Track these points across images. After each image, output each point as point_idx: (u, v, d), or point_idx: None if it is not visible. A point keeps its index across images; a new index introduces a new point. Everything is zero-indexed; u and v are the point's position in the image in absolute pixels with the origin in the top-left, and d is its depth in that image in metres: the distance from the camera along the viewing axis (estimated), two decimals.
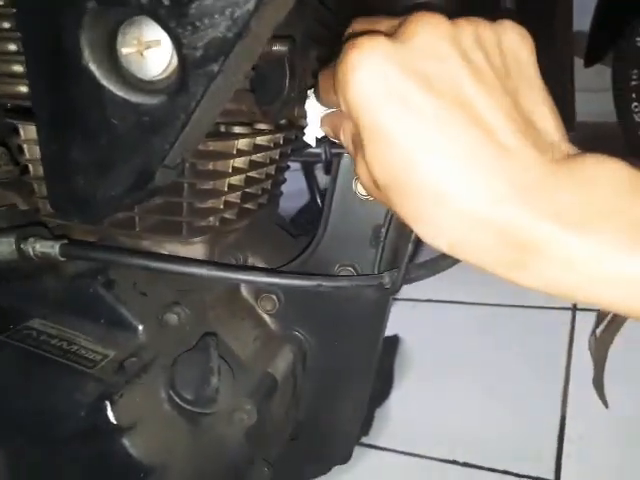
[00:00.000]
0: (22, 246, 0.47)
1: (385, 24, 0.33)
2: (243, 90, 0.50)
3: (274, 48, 0.46)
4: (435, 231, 0.28)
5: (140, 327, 0.46)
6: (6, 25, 0.41)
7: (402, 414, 1.31)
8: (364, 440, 1.25)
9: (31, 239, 0.47)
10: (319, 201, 1.46)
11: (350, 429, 0.63)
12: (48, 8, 0.29)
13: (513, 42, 0.31)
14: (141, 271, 0.49)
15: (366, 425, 1.25)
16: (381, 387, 1.34)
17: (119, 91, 0.31)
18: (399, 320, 1.57)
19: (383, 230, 0.51)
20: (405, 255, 0.49)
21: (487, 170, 0.26)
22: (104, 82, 0.30)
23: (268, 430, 0.52)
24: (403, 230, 0.52)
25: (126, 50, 0.30)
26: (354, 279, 0.49)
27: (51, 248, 0.47)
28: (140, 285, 0.50)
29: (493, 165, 0.26)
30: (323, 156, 0.55)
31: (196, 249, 0.54)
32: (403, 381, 1.39)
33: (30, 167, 0.51)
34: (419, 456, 1.21)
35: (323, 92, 0.39)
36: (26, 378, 0.42)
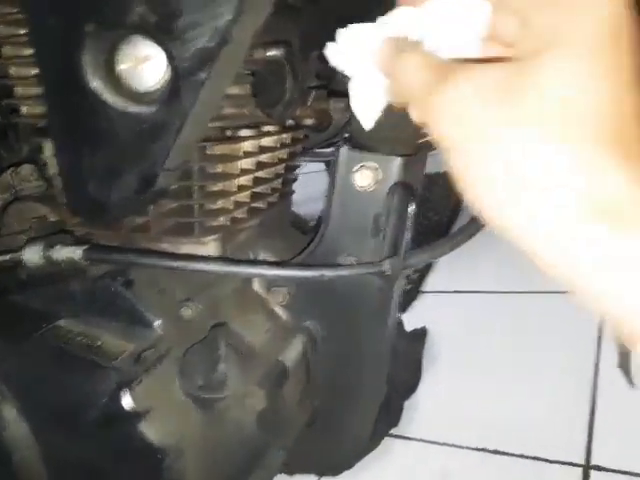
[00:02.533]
0: (49, 252, 0.51)
1: None
2: (244, 95, 0.53)
3: (269, 53, 0.49)
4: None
5: (157, 322, 0.50)
6: (29, 51, 0.46)
7: (431, 405, 1.31)
8: (394, 431, 1.26)
9: (57, 246, 0.52)
10: None
11: (366, 416, 0.66)
12: (55, 34, 0.33)
13: None
14: (158, 270, 0.53)
15: (395, 416, 1.26)
16: (409, 379, 1.35)
17: (120, 103, 0.34)
18: (426, 312, 1.57)
19: (382, 219, 0.53)
20: (403, 242, 0.51)
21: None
22: (106, 97, 0.34)
23: (281, 415, 0.55)
24: (402, 217, 0.54)
25: (124, 66, 0.33)
26: (355, 267, 0.52)
27: (74, 253, 0.51)
28: (158, 283, 0.53)
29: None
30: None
31: (209, 248, 0.57)
32: (431, 372, 1.39)
33: (54, 181, 0.55)
34: (449, 445, 1.22)
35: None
36: (57, 372, 0.46)
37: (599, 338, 1.26)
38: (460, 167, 0.26)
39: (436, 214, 1.66)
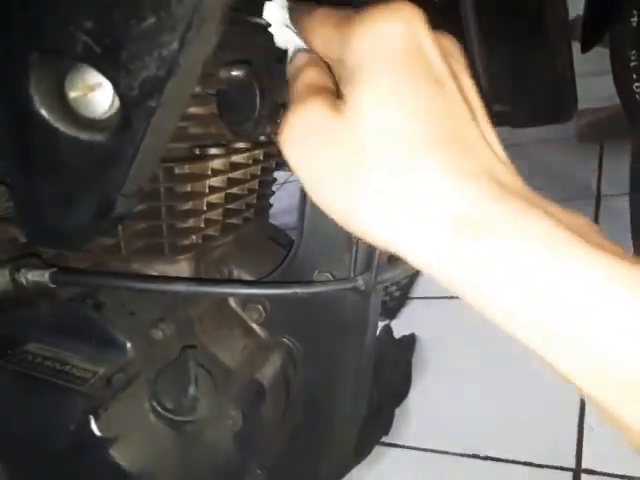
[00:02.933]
0: (15, 276, 0.51)
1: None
2: (210, 114, 0.53)
3: (233, 73, 0.49)
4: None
5: (128, 344, 0.49)
6: None
7: (422, 412, 1.31)
8: (385, 439, 1.26)
9: (23, 269, 0.51)
10: None
11: (348, 430, 0.65)
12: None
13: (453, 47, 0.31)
14: (128, 292, 0.53)
15: (386, 425, 1.26)
16: (399, 386, 1.35)
17: (70, 131, 0.34)
18: (415, 319, 1.58)
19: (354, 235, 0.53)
20: (375, 257, 0.51)
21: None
22: (56, 125, 0.34)
23: (260, 434, 0.54)
24: None
25: (73, 94, 0.33)
26: (329, 284, 0.52)
27: (41, 277, 0.50)
28: (129, 305, 0.53)
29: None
30: None
31: (182, 267, 0.57)
32: (421, 379, 1.39)
33: None
34: (440, 452, 1.22)
35: (316, 34, 0.33)
36: (21, 399, 0.46)
37: None
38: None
39: None
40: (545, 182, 1.66)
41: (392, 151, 0.26)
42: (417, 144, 0.26)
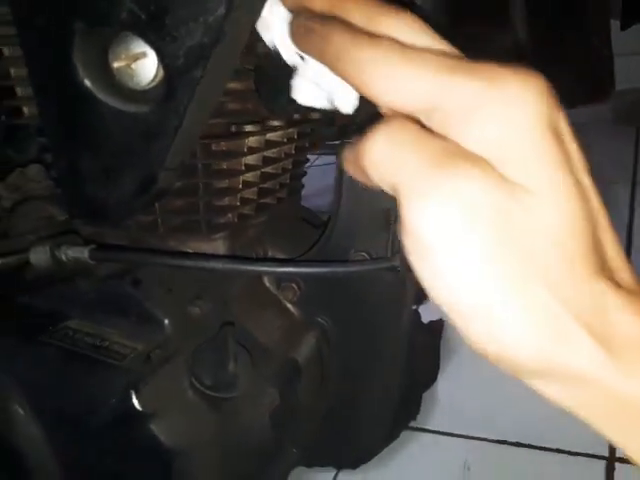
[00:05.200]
0: (56, 252, 0.51)
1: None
2: (248, 90, 0.52)
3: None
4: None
5: (166, 321, 0.50)
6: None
7: (450, 396, 1.30)
8: (412, 423, 1.25)
9: (64, 246, 0.51)
10: None
11: (382, 412, 0.65)
12: (43, 33, 0.32)
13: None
14: (166, 269, 0.53)
15: (414, 409, 1.25)
16: (427, 371, 1.33)
17: (115, 103, 0.33)
18: None
19: (392, 213, 0.52)
20: None
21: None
22: (100, 96, 0.33)
23: (295, 413, 0.54)
24: None
25: (117, 64, 0.33)
26: (365, 263, 0.51)
27: (81, 253, 0.51)
28: (166, 282, 0.53)
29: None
30: None
31: (217, 245, 0.57)
32: (450, 363, 1.38)
33: None
34: (468, 437, 1.21)
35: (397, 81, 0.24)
36: (65, 373, 0.46)
37: None
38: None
39: None
40: None
41: (561, 261, 0.23)
42: (576, 256, 0.23)
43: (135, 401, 0.42)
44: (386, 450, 1.17)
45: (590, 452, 1.11)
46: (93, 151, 0.35)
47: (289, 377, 0.52)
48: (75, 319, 0.51)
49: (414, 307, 1.64)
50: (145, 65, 0.32)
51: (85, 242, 0.54)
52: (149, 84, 0.33)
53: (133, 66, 0.32)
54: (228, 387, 0.44)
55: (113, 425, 0.43)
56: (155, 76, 0.33)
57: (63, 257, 0.51)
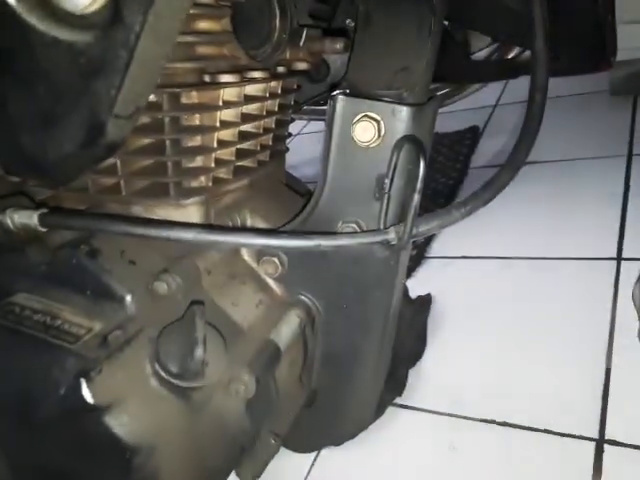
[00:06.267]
0: (0, 218, 0.44)
1: None
2: (223, 31, 0.45)
3: None
4: None
5: (127, 297, 0.43)
6: None
7: (436, 374, 1.26)
8: (398, 400, 1.22)
9: (9, 210, 0.45)
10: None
11: (368, 396, 0.60)
12: None
13: None
14: (129, 238, 0.46)
15: (399, 385, 1.22)
16: (414, 347, 1.30)
17: (47, 28, 0.27)
18: (432, 278, 1.51)
19: (387, 180, 0.46)
20: (412, 205, 0.44)
21: None
22: (28, 18, 0.26)
23: (274, 400, 0.49)
24: (410, 178, 0.46)
25: None
26: (356, 236, 0.45)
27: (29, 218, 0.44)
28: (128, 253, 0.46)
29: None
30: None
31: (189, 212, 0.50)
32: (436, 340, 1.34)
33: None
34: (454, 416, 1.17)
35: None
36: (7, 355, 0.40)
37: (614, 304, 1.20)
38: None
39: (443, 176, 1.58)
40: (576, 137, 1.56)
41: None
42: None
43: (86, 392, 0.36)
44: (370, 427, 1.13)
45: (579, 434, 1.08)
46: (26, 91, 0.29)
47: (267, 362, 0.46)
48: (23, 293, 0.45)
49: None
50: None
51: (37, 206, 0.48)
52: (90, 5, 0.26)
53: None
54: (196, 375, 0.39)
55: (63, 418, 0.38)
56: None
57: (9, 222, 0.45)
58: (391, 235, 0.45)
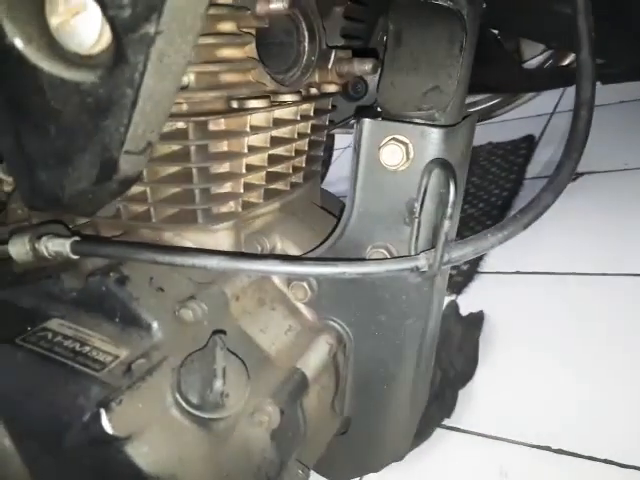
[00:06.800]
0: (36, 245, 0.46)
1: None
2: (248, 59, 0.45)
3: (272, 6, 0.40)
4: None
5: (154, 325, 0.44)
6: None
7: (488, 396, 1.21)
8: (446, 422, 1.18)
9: (44, 238, 0.46)
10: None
11: (403, 425, 0.58)
12: None
13: None
14: (158, 265, 0.46)
15: (448, 407, 1.18)
16: (464, 367, 1.25)
17: (54, 69, 0.27)
18: (484, 295, 1.46)
19: (417, 205, 0.44)
20: (441, 232, 0.42)
21: None
22: (36, 60, 0.27)
23: (302, 429, 0.48)
24: (441, 202, 0.44)
25: (55, 20, 0.26)
26: (384, 263, 0.43)
27: (62, 246, 0.45)
28: (157, 280, 0.47)
29: None
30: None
31: (218, 237, 0.50)
32: (488, 360, 1.29)
33: None
34: (506, 440, 1.12)
35: None
36: (36, 381, 0.41)
37: None
38: None
39: (496, 187, 1.53)
40: (627, 146, 1.47)
41: None
42: None
43: (105, 422, 0.36)
44: (417, 449, 1.09)
45: None
46: (38, 130, 0.29)
47: (293, 391, 0.45)
48: (57, 319, 0.46)
49: (452, 297, 1.55)
50: (87, 21, 0.25)
51: (72, 234, 0.49)
52: (94, 46, 0.26)
53: (73, 22, 0.25)
54: (216, 406, 0.38)
55: (85, 447, 0.38)
56: (100, 34, 0.26)
57: (44, 250, 0.46)
58: (421, 262, 0.43)
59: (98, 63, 0.27)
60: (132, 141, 0.29)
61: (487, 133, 1.81)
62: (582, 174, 1.49)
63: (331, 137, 1.27)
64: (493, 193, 1.52)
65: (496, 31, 1.11)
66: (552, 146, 1.67)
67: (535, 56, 1.27)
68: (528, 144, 1.65)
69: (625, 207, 1.34)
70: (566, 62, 1.24)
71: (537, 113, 1.82)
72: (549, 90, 1.42)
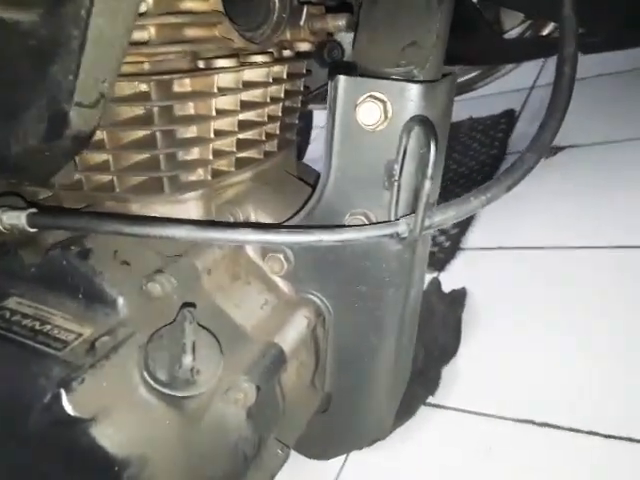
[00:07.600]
0: None
1: None
2: (214, 12, 0.41)
3: None
4: None
5: (119, 300, 0.41)
6: None
7: (471, 372, 1.21)
8: (431, 400, 1.18)
9: None
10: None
11: (387, 400, 0.56)
12: None
13: None
14: (124, 238, 0.43)
15: (432, 385, 1.17)
16: (448, 344, 1.25)
17: None
18: (467, 271, 1.46)
19: (396, 167, 0.41)
20: (422, 194, 0.39)
21: None
22: None
23: (280, 406, 0.46)
24: (422, 163, 0.42)
25: None
26: (362, 230, 0.41)
27: (18, 219, 0.42)
28: (122, 253, 0.44)
29: None
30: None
31: (188, 208, 0.48)
32: (472, 337, 1.29)
33: None
34: (492, 416, 1.12)
35: None
36: None
37: None
38: None
39: (477, 163, 1.52)
40: (617, 119, 1.47)
41: None
42: None
43: (67, 403, 0.33)
44: (401, 428, 1.09)
45: (625, 435, 1.01)
46: None
47: (270, 366, 0.43)
48: (15, 297, 0.43)
49: (435, 274, 1.54)
50: None
51: (29, 206, 0.46)
52: None
53: None
54: (187, 383, 0.36)
55: (47, 430, 0.35)
56: None
57: None
58: (401, 227, 0.41)
59: (38, 1, 0.24)
60: (83, 91, 0.26)
61: (467, 108, 1.79)
62: (563, 148, 1.48)
63: (309, 114, 1.23)
64: (474, 169, 1.50)
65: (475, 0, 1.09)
66: (533, 121, 1.66)
67: (514, 27, 1.25)
68: (508, 119, 1.63)
69: (606, 180, 1.34)
70: (545, 32, 1.22)
71: (517, 88, 1.80)
72: (530, 61, 1.40)
